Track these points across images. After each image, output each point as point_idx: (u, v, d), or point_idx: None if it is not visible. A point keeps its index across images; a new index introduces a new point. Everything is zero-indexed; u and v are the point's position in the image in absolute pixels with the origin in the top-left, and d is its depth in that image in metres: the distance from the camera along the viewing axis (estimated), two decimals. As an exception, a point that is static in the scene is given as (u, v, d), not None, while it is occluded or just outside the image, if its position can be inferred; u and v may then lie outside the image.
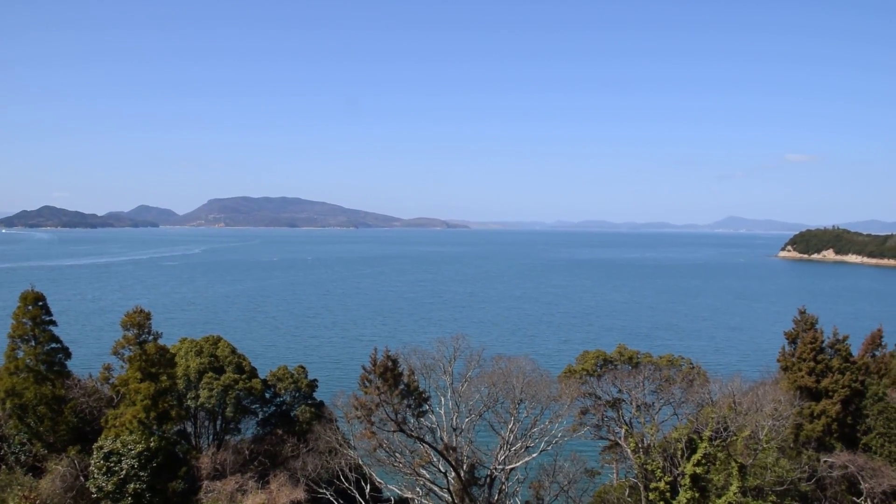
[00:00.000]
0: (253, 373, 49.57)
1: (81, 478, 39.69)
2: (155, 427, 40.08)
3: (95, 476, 37.78)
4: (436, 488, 37.64)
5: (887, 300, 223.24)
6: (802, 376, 46.45)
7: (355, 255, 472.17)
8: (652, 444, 38.69)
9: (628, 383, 44.28)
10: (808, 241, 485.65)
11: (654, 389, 44.81)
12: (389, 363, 33.63)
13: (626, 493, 41.63)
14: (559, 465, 42.84)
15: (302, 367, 52.62)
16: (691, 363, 51.47)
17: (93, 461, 38.29)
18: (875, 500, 40.94)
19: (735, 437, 36.98)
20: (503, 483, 39.43)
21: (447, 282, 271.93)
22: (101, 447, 38.30)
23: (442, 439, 38.87)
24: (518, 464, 39.69)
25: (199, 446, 47.53)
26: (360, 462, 39.35)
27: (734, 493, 34.24)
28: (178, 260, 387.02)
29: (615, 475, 49.97)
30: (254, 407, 49.41)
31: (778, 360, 49.98)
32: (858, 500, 41.45)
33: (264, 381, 49.87)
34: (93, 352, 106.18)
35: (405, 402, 34.51)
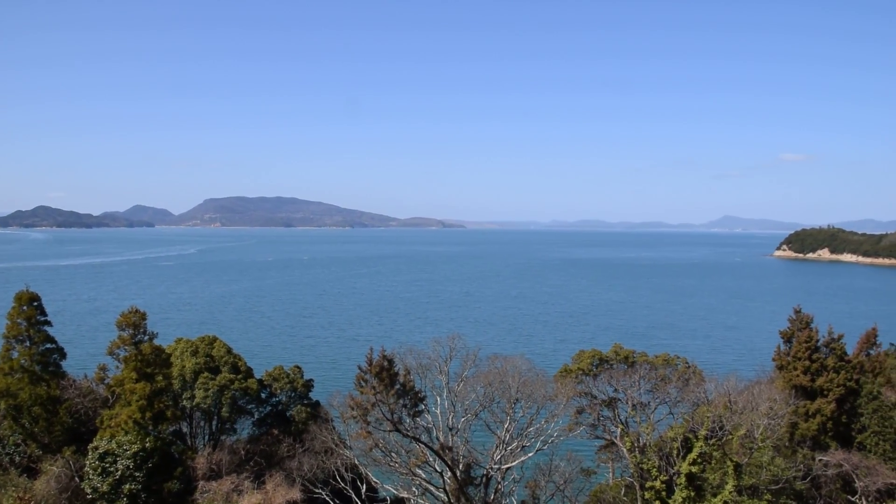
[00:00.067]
0: (249, 373, 49.54)
1: (76, 479, 39.56)
2: (150, 427, 39.98)
3: (90, 477, 37.66)
4: (432, 488, 37.64)
5: (882, 299, 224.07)
6: (798, 375, 46.59)
7: (351, 254, 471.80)
8: (648, 444, 38.73)
9: (624, 383, 44.40)
10: (804, 241, 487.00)
11: (650, 389, 44.89)
12: (385, 363, 33.65)
13: (622, 493, 41.76)
14: (555, 464, 42.81)
15: (298, 367, 52.64)
16: (687, 362, 51.62)
17: (88, 462, 38.15)
18: (870, 499, 41.12)
19: (730, 436, 37.09)
20: (499, 483, 39.42)
21: (443, 281, 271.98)
22: (96, 448, 38.17)
23: (438, 439, 38.84)
24: (514, 463, 39.65)
25: (194, 447, 47.47)
26: (357, 462, 39.26)
27: (730, 492, 34.34)
28: (173, 260, 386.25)
29: (611, 474, 50.07)
30: (249, 407, 49.40)
31: (773, 359, 50.16)
32: (853, 499, 41.62)
33: (260, 382, 49.86)
34: (88, 352, 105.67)
35: (401, 401, 34.54)
